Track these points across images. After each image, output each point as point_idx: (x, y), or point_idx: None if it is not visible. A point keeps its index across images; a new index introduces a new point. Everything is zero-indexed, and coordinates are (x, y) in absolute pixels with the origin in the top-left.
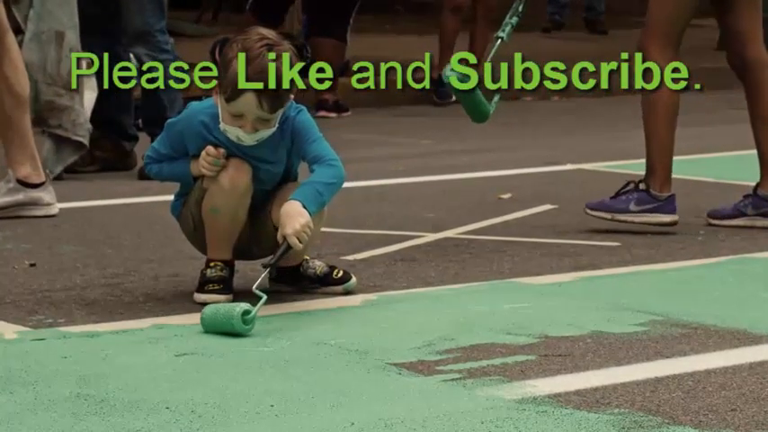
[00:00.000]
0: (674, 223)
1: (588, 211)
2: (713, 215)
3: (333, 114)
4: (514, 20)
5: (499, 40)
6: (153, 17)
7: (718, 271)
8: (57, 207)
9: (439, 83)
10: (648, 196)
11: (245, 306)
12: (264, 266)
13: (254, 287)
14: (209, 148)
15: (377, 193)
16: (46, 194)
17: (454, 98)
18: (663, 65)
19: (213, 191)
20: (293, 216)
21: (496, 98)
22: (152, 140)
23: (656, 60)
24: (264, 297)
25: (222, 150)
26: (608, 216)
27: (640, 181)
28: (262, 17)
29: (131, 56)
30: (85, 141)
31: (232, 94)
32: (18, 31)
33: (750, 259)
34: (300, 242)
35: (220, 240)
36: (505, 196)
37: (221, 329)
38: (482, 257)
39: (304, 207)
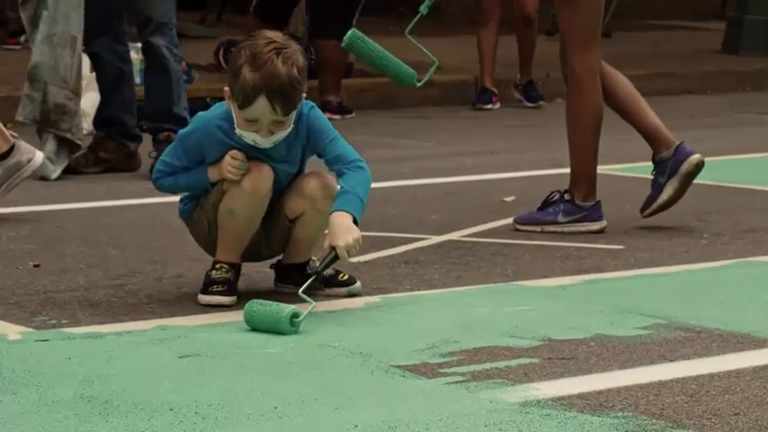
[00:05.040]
0: (602, 230)
1: (518, 225)
2: (644, 208)
3: (337, 116)
4: None
5: (419, 15)
6: (171, 11)
7: (721, 274)
8: (39, 156)
9: (526, 88)
10: (574, 207)
11: (294, 309)
12: (312, 273)
13: (299, 291)
14: (235, 153)
15: (380, 195)
16: (22, 155)
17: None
18: (596, 73)
19: (233, 193)
20: (345, 230)
21: (429, 73)
22: (155, 136)
23: (587, 71)
24: (313, 303)
25: (244, 154)
26: (537, 229)
27: (566, 191)
28: (266, 19)
29: (131, 53)
30: (84, 144)
31: (245, 100)
32: (21, 32)
33: (754, 263)
34: (349, 255)
35: (232, 243)
36: (509, 199)
37: (265, 327)
38: (486, 260)
39: (355, 221)
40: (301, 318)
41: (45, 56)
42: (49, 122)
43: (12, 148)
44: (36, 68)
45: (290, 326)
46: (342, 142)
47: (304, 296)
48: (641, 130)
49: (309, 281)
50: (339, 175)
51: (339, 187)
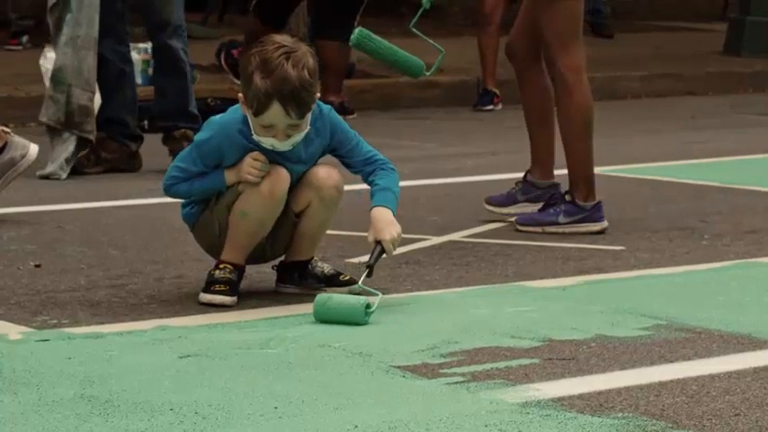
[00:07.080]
0: (603, 230)
1: (519, 226)
2: (490, 201)
3: None
4: None
5: (422, 8)
6: (182, 13)
7: (722, 275)
8: (34, 150)
9: (482, 93)
10: (576, 207)
11: (366, 300)
12: (367, 266)
13: (359, 283)
14: (257, 154)
15: None
16: (15, 151)
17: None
18: (582, 73)
19: (249, 195)
20: (389, 224)
21: (437, 63)
22: (166, 134)
23: (572, 71)
24: (380, 294)
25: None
26: (538, 230)
27: (566, 193)
28: (265, 19)
29: (132, 54)
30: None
31: (258, 107)
32: (23, 33)
33: (754, 264)
34: (393, 248)
35: (240, 244)
36: None
37: (338, 318)
38: (486, 261)
39: (393, 216)
40: (373, 309)
41: (69, 58)
42: (73, 124)
43: (5, 145)
44: (60, 71)
45: (364, 316)
46: (366, 145)
47: (368, 289)
48: (539, 147)
49: (364, 275)
50: (371, 174)
51: (375, 185)
